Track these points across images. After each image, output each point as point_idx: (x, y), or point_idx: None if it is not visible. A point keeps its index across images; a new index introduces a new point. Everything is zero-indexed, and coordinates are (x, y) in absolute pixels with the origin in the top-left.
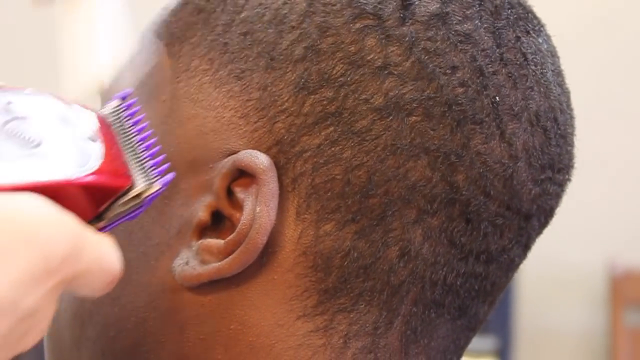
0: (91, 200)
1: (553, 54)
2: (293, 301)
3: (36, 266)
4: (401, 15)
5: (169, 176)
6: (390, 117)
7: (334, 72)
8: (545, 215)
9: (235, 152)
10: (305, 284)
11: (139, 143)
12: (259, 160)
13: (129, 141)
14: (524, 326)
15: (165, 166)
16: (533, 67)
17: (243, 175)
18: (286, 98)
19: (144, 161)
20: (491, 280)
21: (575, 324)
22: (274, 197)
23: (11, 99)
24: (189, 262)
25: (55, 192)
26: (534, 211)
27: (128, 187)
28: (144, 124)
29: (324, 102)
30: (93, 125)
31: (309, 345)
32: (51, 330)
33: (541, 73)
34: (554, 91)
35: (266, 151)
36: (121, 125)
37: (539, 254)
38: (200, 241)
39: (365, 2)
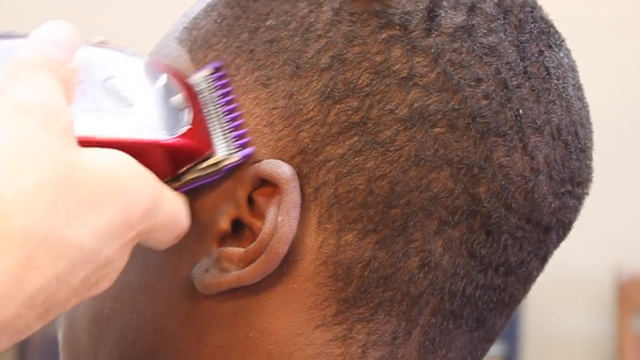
0: (172, 162)
1: (573, 69)
2: (312, 310)
3: (118, 218)
4: (427, 26)
5: (248, 150)
6: (415, 128)
7: (360, 81)
8: (563, 228)
9: (258, 161)
10: (325, 293)
11: (225, 114)
12: (282, 170)
13: (216, 111)
14: (531, 331)
15: (246, 140)
16: (555, 81)
17: (265, 184)
18: (311, 107)
19: (227, 132)
20: (509, 292)
21: (582, 329)
22: (296, 207)
23: (114, 57)
24: (209, 269)
25: (141, 150)
26: (554, 224)
27: (209, 153)
28: (231, 96)
29: (349, 112)
30: (183, 92)
31: (327, 354)
32: (68, 335)
33: (563, 87)
34: (575, 105)
35: (290, 160)
36: (209, 94)
37: None
38: (220, 249)
39: (391, 12)
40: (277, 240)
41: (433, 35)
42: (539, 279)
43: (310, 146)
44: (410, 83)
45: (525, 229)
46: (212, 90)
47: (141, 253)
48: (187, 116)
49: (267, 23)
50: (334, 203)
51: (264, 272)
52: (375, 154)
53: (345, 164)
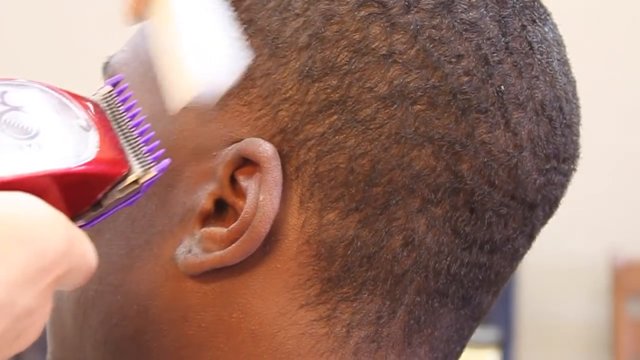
0: (89, 188)
1: (559, 43)
2: (296, 290)
3: (31, 265)
4: (406, 3)
5: (165, 162)
6: (395, 106)
7: (339, 60)
8: (550, 205)
9: (238, 140)
10: (308, 273)
11: (133, 129)
12: (263, 148)
13: (123, 127)
14: (526, 317)
15: (160, 152)
16: (539, 56)
17: (246, 163)
18: (290, 86)
19: (138, 147)
20: (495, 270)
21: (577, 315)
22: (277, 185)
23: (5, 89)
24: (192, 250)
25: (51, 182)
26: (539, 201)
27: (125, 173)
28: (137, 110)
29: (328, 90)
30: (86, 113)
31: (311, 334)
32: (53, 317)
33: (547, 62)
34: (560, 80)
35: (270, 139)
36: (114, 112)
37: (541, 245)
38: (203, 229)
39: None
40: (259, 219)
41: (412, 12)
42: (534, 264)
43: (289, 125)
44: (390, 60)
45: (510, 206)
46: (115, 107)
47: (125, 234)
48: (94, 138)
49: (246, 3)
50: (315, 182)
51: (246, 251)
52: (356, 133)
53: (326, 143)
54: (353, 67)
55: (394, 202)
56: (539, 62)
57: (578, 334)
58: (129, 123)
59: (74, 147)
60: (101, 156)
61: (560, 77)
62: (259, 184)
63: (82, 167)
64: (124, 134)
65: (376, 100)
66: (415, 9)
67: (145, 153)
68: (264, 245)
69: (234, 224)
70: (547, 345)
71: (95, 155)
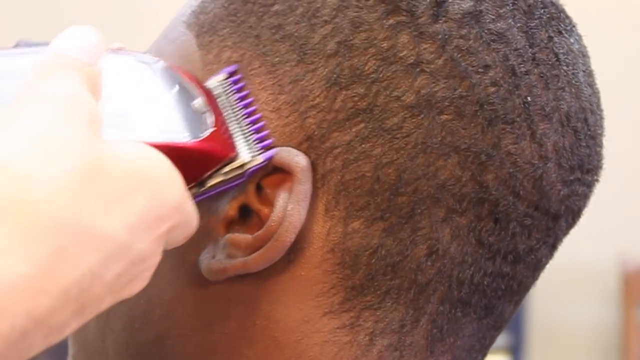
0: (198, 166)
1: (584, 54)
2: (320, 298)
3: (150, 210)
4: (434, 12)
5: (272, 151)
6: (422, 115)
7: (366, 68)
8: (573, 215)
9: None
10: (332, 281)
11: (244, 117)
12: (299, 159)
13: (235, 114)
14: (536, 323)
15: (269, 141)
16: (565, 68)
17: (275, 171)
18: (317, 93)
19: (248, 134)
20: (518, 280)
21: (587, 320)
22: (307, 196)
23: (131, 63)
24: (216, 255)
25: (168, 154)
26: (563, 212)
27: (232, 157)
28: (250, 99)
29: (355, 98)
30: (202, 96)
31: (334, 342)
32: None
33: (572, 73)
34: (585, 92)
35: (297, 146)
36: (227, 98)
37: None
38: (227, 235)
39: None
40: (285, 229)
41: (440, 22)
42: (544, 270)
43: (316, 133)
44: (418, 70)
45: (534, 216)
46: (229, 94)
47: None
48: (209, 119)
49: (274, 8)
50: (341, 190)
51: (270, 259)
52: (382, 141)
53: (352, 151)
54: (381, 75)
55: (419, 211)
56: (565, 74)
57: (588, 340)
58: (241, 110)
59: (189, 125)
60: (214, 137)
61: (585, 89)
62: (288, 193)
63: (197, 144)
64: (235, 120)
65: (403, 109)
66: (444, 19)
67: (253, 141)
68: (288, 253)
69: (259, 232)
70: (557, 351)
71: (208, 135)
